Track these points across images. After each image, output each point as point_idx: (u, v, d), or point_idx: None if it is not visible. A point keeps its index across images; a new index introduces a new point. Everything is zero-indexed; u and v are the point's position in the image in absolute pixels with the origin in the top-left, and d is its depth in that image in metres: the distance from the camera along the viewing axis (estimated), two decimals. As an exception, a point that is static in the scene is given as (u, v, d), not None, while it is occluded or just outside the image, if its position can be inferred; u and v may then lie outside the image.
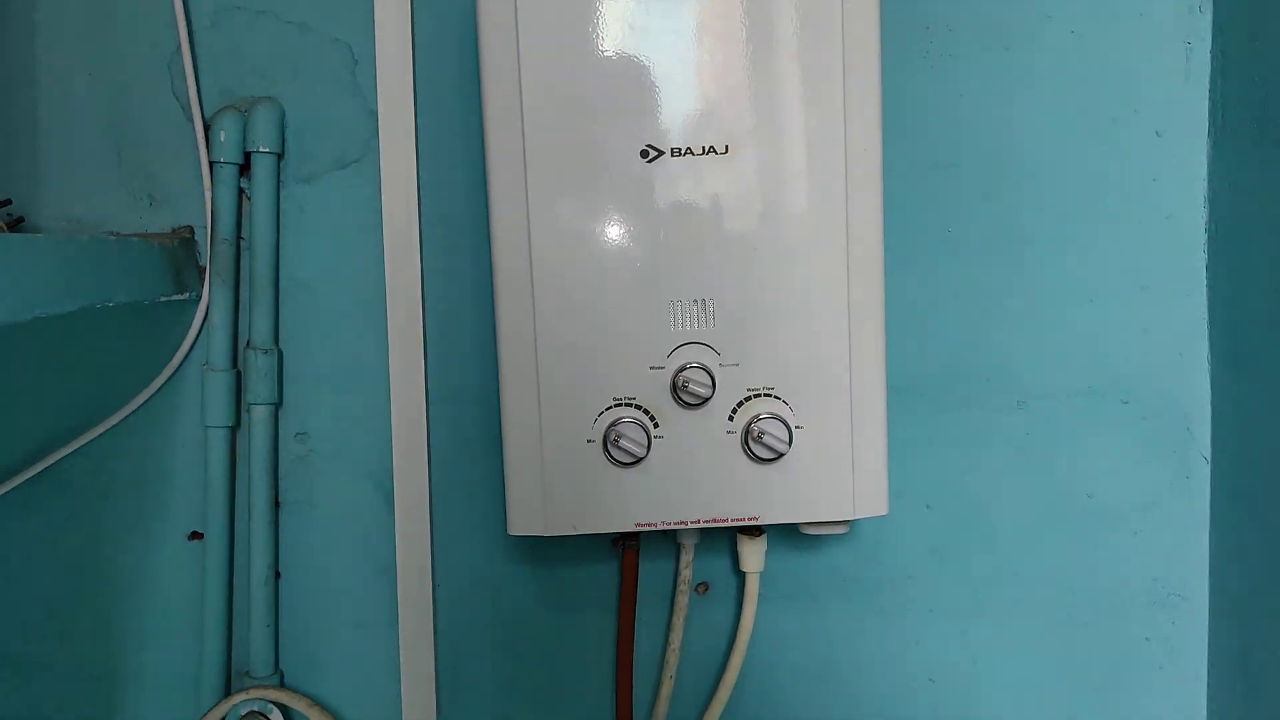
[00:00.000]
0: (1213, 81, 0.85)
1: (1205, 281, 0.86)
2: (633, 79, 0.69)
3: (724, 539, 0.86)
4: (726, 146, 0.70)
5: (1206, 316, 0.86)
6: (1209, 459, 0.87)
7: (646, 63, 0.69)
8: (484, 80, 0.69)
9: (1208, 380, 0.86)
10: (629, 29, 0.69)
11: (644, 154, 0.70)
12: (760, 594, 0.86)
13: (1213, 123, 0.85)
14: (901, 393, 0.85)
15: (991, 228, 0.85)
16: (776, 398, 0.72)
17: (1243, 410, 0.83)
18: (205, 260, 0.83)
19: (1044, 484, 0.87)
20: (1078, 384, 0.86)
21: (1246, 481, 0.82)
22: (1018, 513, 0.87)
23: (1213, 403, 0.86)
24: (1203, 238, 0.86)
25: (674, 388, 0.71)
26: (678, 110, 0.70)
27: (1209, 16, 0.84)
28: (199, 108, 0.82)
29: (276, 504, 0.86)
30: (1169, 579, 0.87)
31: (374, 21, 0.82)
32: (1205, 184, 0.85)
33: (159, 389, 0.84)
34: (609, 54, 0.69)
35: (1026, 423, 0.86)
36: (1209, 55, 0.85)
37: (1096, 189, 0.85)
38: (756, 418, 0.71)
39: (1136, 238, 0.85)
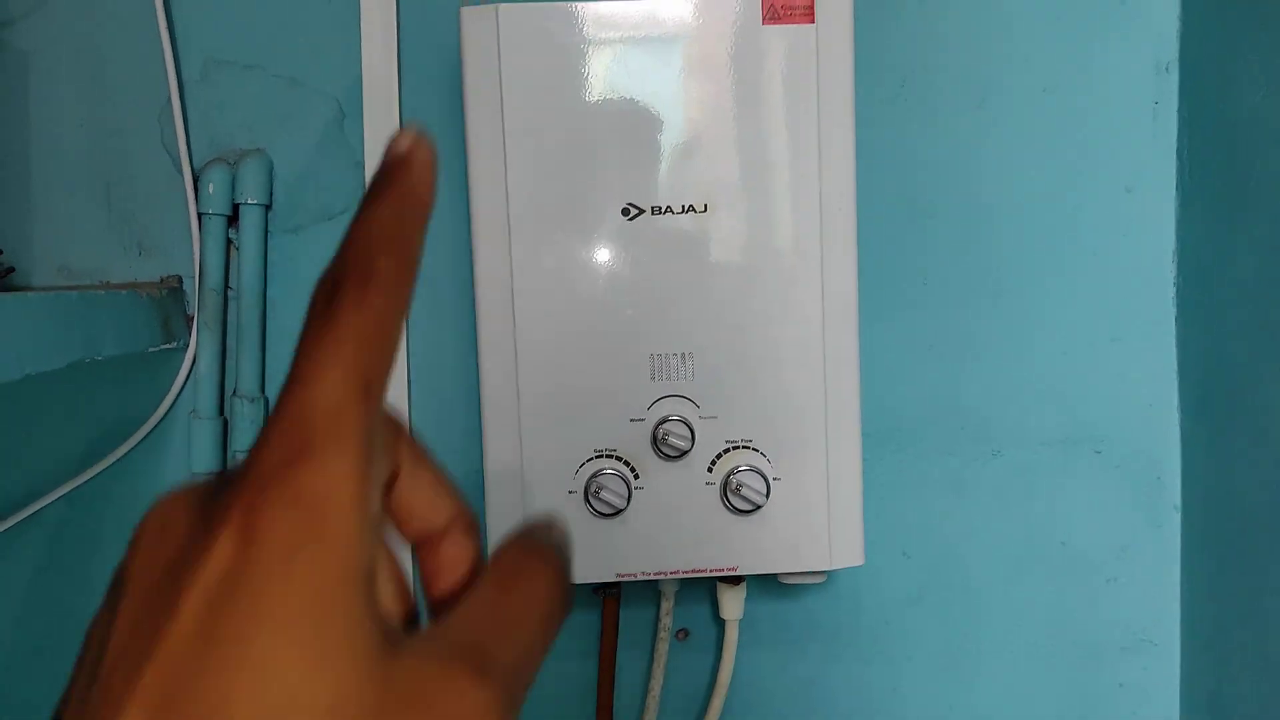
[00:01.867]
0: (1179, 140, 0.87)
1: (1175, 334, 0.88)
2: (615, 140, 0.71)
3: (705, 586, 0.87)
4: (705, 205, 0.72)
5: (1176, 368, 0.88)
6: (1179, 508, 0.88)
7: (628, 124, 0.71)
8: (468, 139, 0.71)
9: (1177, 431, 0.88)
10: (611, 91, 0.71)
11: (625, 212, 0.72)
12: (740, 641, 0.86)
13: (1180, 180, 0.87)
14: (879, 441, 0.87)
15: (967, 278, 0.87)
16: (755, 450, 0.73)
17: (1211, 461, 0.84)
18: (193, 309, 0.84)
19: (1019, 531, 0.88)
20: (1052, 433, 0.88)
21: (1215, 530, 0.84)
22: (993, 560, 0.88)
23: (1182, 453, 0.88)
24: (1172, 291, 0.88)
25: (654, 440, 0.73)
26: (658, 170, 0.71)
27: (1175, 77, 0.87)
28: (188, 159, 0.84)
29: (260, 550, 0.86)
30: (1141, 625, 0.89)
31: (362, 76, 0.84)
32: (1174, 239, 0.87)
33: (146, 435, 0.85)
34: (592, 115, 0.71)
35: (1002, 471, 0.88)
36: (1176, 115, 0.87)
37: (1069, 242, 0.87)
38: (735, 470, 0.73)
39: (1108, 291, 0.87)
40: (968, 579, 0.88)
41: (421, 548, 0.30)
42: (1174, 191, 0.87)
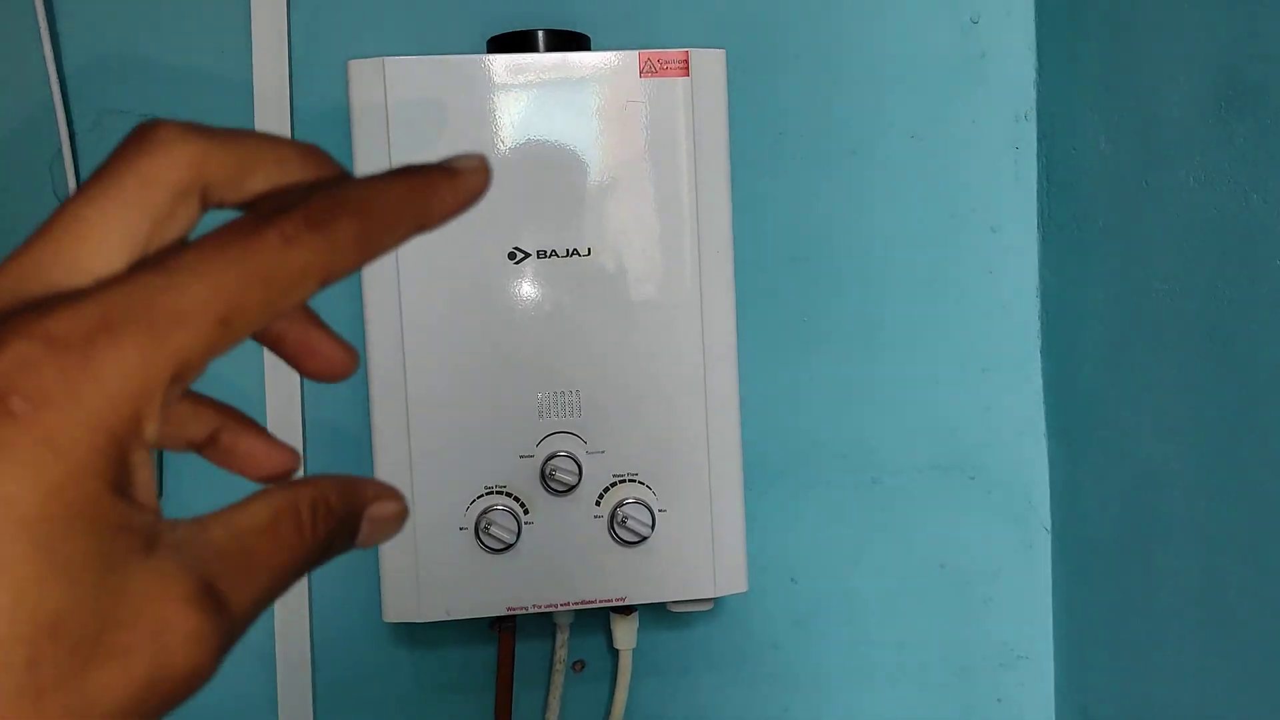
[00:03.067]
0: (1039, 182, 0.93)
1: (1040, 364, 0.93)
2: (500, 186, 0.73)
3: (599, 618, 0.89)
4: (589, 249, 0.75)
5: (1042, 397, 0.93)
6: (1049, 529, 0.93)
7: (513, 171, 0.74)
8: (358, 186, 0.73)
9: (1045, 456, 0.93)
10: (496, 140, 0.74)
11: (511, 256, 0.74)
12: (635, 669, 0.89)
13: (1041, 219, 0.93)
14: (764, 471, 0.90)
15: (845, 316, 0.91)
16: (640, 483, 0.76)
17: (1075, 483, 0.90)
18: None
19: (900, 555, 0.92)
20: (928, 460, 0.92)
21: (1081, 549, 0.89)
22: (876, 583, 0.92)
23: (1050, 476, 0.93)
24: (1036, 324, 0.93)
25: (543, 475, 0.75)
26: (543, 216, 0.74)
27: (1034, 125, 0.93)
28: (80, 207, 0.84)
29: (155, 595, 0.86)
30: (1016, 642, 0.93)
31: (254, 125, 0.85)
32: (1037, 275, 0.93)
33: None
34: (476, 163, 0.73)
35: (882, 498, 0.92)
36: (1035, 159, 0.93)
37: (938, 280, 0.92)
38: (621, 503, 0.75)
39: (976, 325, 0.92)
40: (852, 602, 0.92)
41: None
42: (1035, 230, 0.93)
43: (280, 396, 0.86)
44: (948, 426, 0.92)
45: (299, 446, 0.86)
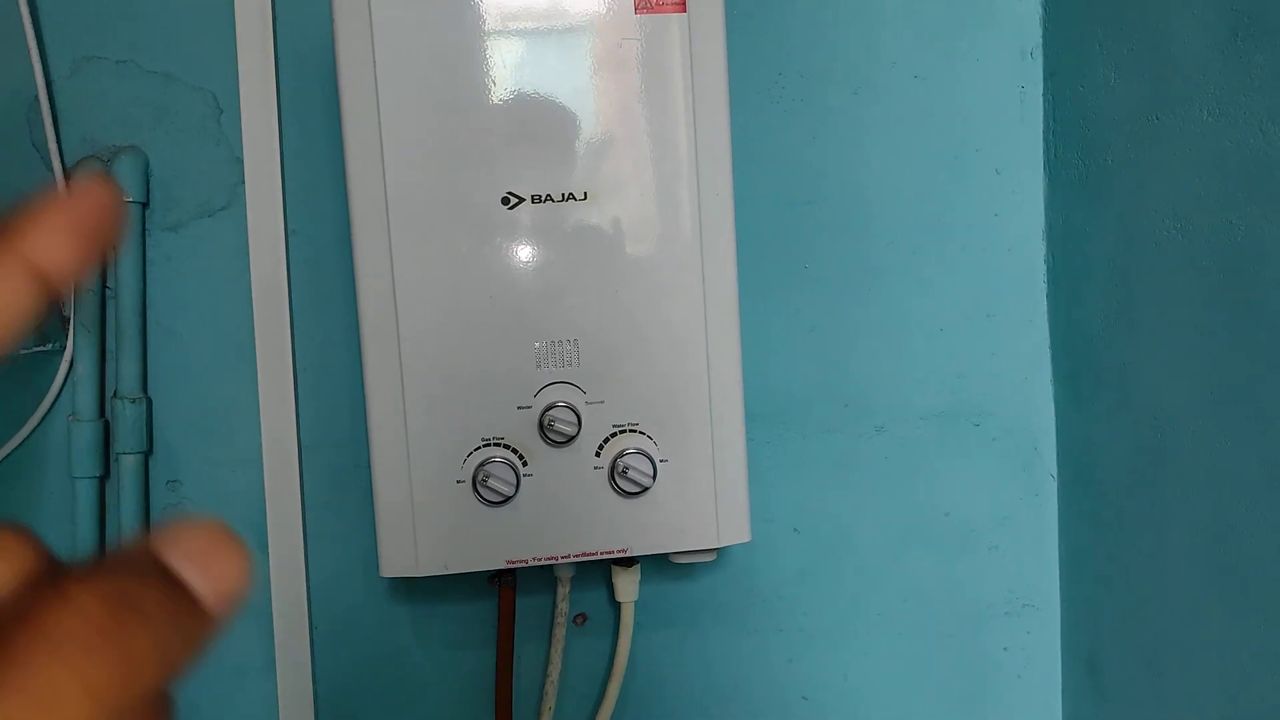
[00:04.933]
0: (1045, 122, 0.90)
1: (1046, 309, 0.91)
2: (493, 129, 0.72)
3: (601, 570, 0.88)
4: (585, 193, 0.73)
5: (1048, 342, 0.91)
6: (1055, 476, 0.92)
7: (506, 112, 0.71)
8: (344, 130, 0.71)
9: (1051, 402, 0.92)
10: (488, 80, 0.71)
11: (505, 201, 0.72)
12: (637, 622, 0.88)
13: (1047, 161, 0.91)
14: (766, 421, 0.89)
15: (846, 261, 0.89)
16: (641, 433, 0.75)
17: (1082, 430, 0.88)
18: (69, 311, 0.82)
19: (904, 504, 0.91)
20: (932, 408, 0.90)
21: (1089, 496, 0.88)
22: (880, 532, 0.91)
23: (1056, 423, 0.92)
24: (1042, 268, 0.91)
25: (541, 426, 0.73)
26: (537, 159, 0.72)
27: (1040, 63, 0.90)
28: (59, 157, 0.82)
29: (148, 553, 0.85)
30: (1023, 591, 0.92)
31: (237, 69, 0.83)
32: (1043, 218, 0.91)
33: (24, 440, 0.83)
34: (469, 104, 0.71)
35: (885, 446, 0.90)
36: (1041, 99, 0.90)
37: (942, 224, 0.90)
38: (622, 453, 0.74)
39: (981, 269, 0.90)
40: (856, 552, 0.91)
41: None
42: (1042, 172, 0.91)
43: (270, 359, 0.84)
44: (953, 373, 0.90)
45: (292, 406, 0.84)
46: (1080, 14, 0.85)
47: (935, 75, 0.89)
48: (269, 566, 0.85)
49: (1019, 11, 0.90)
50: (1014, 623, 0.92)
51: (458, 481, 0.73)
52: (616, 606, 0.87)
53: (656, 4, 0.73)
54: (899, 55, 0.89)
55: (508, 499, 0.73)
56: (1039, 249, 0.91)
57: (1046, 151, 0.91)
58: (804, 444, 0.90)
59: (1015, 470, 0.91)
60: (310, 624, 0.86)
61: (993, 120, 0.90)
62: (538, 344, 0.73)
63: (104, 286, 0.83)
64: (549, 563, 0.75)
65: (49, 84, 0.82)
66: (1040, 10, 0.90)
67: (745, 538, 0.77)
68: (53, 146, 0.81)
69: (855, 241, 0.89)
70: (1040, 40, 0.90)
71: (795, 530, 0.90)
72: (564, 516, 0.75)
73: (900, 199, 0.89)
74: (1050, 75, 0.90)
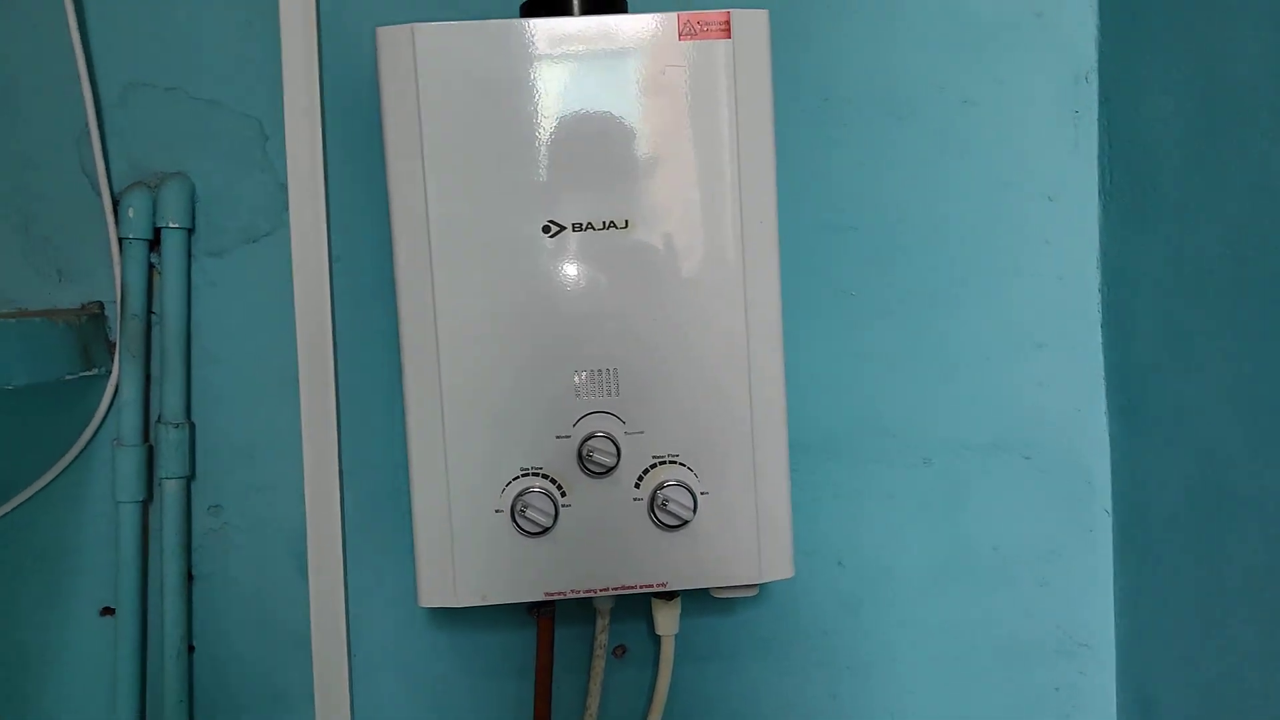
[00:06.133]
0: (1100, 147, 0.88)
1: (1100, 339, 0.89)
2: (534, 157, 0.71)
3: (642, 602, 0.87)
4: (626, 221, 0.72)
5: (1103, 373, 0.89)
6: (1110, 511, 0.89)
7: (547, 141, 0.71)
8: (387, 158, 0.71)
9: (1106, 435, 0.89)
10: (530, 109, 0.71)
11: (546, 229, 0.72)
12: (678, 655, 0.86)
13: (1102, 186, 0.88)
14: (809, 451, 0.87)
15: (892, 289, 0.87)
16: (681, 464, 0.73)
17: (1139, 464, 0.86)
18: (115, 336, 0.83)
19: (950, 537, 0.89)
20: (980, 440, 0.88)
21: (1144, 532, 0.85)
22: (926, 566, 0.89)
23: (1111, 457, 0.89)
24: (1096, 297, 0.89)
25: (580, 457, 0.72)
26: (579, 187, 0.71)
27: (1095, 87, 0.88)
28: (108, 184, 0.83)
29: (190, 577, 0.85)
30: (1075, 629, 0.90)
31: (283, 96, 0.83)
32: (1097, 246, 0.88)
33: (70, 464, 0.84)
34: (510, 133, 0.71)
35: (932, 478, 0.88)
36: (1096, 123, 0.88)
37: (991, 251, 0.88)
38: (661, 485, 0.73)
39: (1031, 298, 0.88)
40: (901, 586, 0.89)
41: None
42: (1096, 198, 0.89)
43: (312, 385, 0.84)
44: (1001, 405, 0.88)
45: (334, 433, 0.84)
46: (1136, 37, 0.83)
47: (985, 99, 0.87)
48: (309, 593, 0.85)
49: (1074, 35, 0.88)
50: (1066, 662, 0.90)
51: (496, 511, 0.73)
52: (657, 639, 0.86)
53: (701, 30, 0.72)
54: (947, 80, 0.87)
55: (546, 529, 0.72)
56: (1093, 277, 0.89)
57: (1101, 178, 0.88)
58: (848, 475, 0.88)
59: (1066, 504, 0.89)
60: (349, 651, 0.86)
61: (1045, 145, 0.88)
62: (577, 373, 0.72)
63: (149, 312, 0.84)
64: (588, 595, 0.74)
65: (99, 111, 0.83)
66: (1096, 33, 0.88)
67: (788, 573, 0.75)
68: (101, 173, 0.82)
69: (901, 268, 0.87)
70: (1095, 63, 0.88)
71: (839, 563, 0.88)
72: (603, 548, 0.74)
73: (948, 225, 0.87)
74: (1105, 99, 0.88)
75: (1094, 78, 0.88)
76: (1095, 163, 0.88)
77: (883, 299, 0.87)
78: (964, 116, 0.87)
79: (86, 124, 0.82)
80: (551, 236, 0.72)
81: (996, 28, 0.87)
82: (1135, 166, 0.84)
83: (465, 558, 0.73)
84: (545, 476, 0.73)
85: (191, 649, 0.86)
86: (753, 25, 0.72)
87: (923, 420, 0.88)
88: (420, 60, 0.70)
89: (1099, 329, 0.89)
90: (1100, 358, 0.89)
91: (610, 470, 0.72)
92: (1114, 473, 0.89)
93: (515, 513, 0.72)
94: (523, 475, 0.73)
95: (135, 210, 0.82)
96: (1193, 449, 0.78)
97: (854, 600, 0.89)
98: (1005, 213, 0.88)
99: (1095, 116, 0.88)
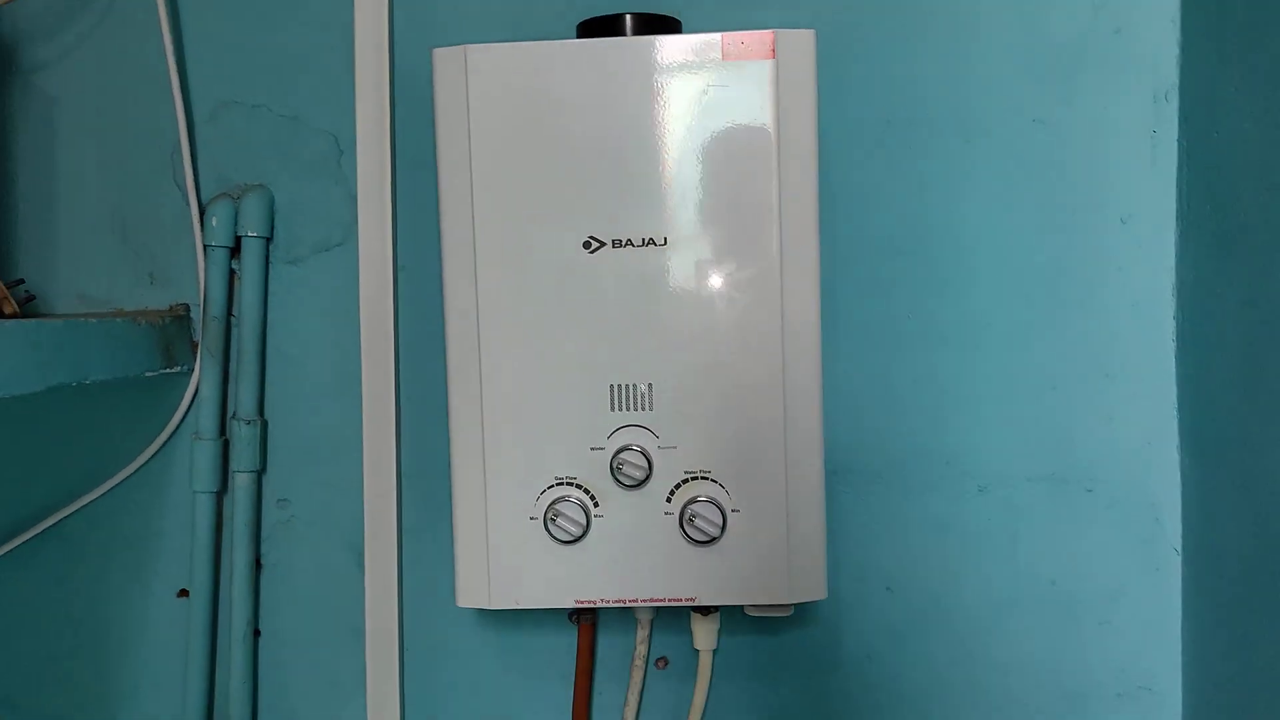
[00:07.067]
0: (1179, 170, 0.84)
1: (1174, 370, 0.85)
2: (577, 174, 0.73)
3: (685, 614, 0.87)
4: (665, 239, 0.73)
5: (1175, 406, 0.85)
6: (1179, 550, 0.85)
7: (589, 158, 0.73)
8: (439, 174, 0.74)
9: (1177, 471, 0.85)
10: (574, 126, 0.73)
11: (586, 245, 0.73)
12: (719, 672, 0.87)
13: (1180, 210, 0.84)
14: (863, 476, 0.86)
15: (953, 314, 0.86)
16: (713, 481, 0.74)
17: (1212, 503, 0.81)
18: (198, 336, 0.89)
19: (1006, 570, 0.86)
20: (1040, 470, 0.85)
21: (1219, 574, 0.81)
22: (979, 598, 0.86)
23: (1182, 494, 0.85)
24: (1171, 326, 0.85)
25: (613, 469, 0.74)
26: (618, 205, 0.73)
27: (1175, 105, 0.84)
28: (196, 195, 0.89)
29: (258, 565, 0.90)
30: (1138, 671, 0.86)
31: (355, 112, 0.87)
32: (1173, 273, 0.85)
33: (153, 455, 0.90)
34: (554, 150, 0.73)
35: (988, 508, 0.86)
36: (1175, 144, 0.84)
37: (1059, 276, 0.85)
38: (692, 500, 0.73)
39: (1100, 326, 0.85)
40: (952, 617, 0.86)
41: None
42: (1174, 222, 0.85)
43: (375, 388, 0.88)
44: (1064, 435, 0.85)
45: (393, 434, 0.88)
46: (1219, 53, 0.79)
47: (1055, 119, 0.85)
48: (365, 587, 0.89)
49: (1155, 52, 0.84)
50: (1128, 705, 0.86)
51: (530, 518, 0.75)
52: (696, 653, 0.86)
53: (745, 51, 0.73)
54: (1017, 98, 0.85)
55: (578, 538, 0.74)
56: (1168, 306, 0.85)
57: (1180, 201, 0.84)
58: (901, 501, 0.87)
59: (1132, 542, 0.85)
60: (401, 645, 0.90)
61: (1120, 167, 0.85)
62: (613, 386, 0.74)
63: (229, 315, 0.89)
64: (617, 605, 0.75)
65: (190, 127, 0.89)
66: (1177, 49, 0.84)
67: (820, 595, 0.75)
68: (190, 185, 0.88)
69: (964, 293, 0.85)
70: (1176, 82, 0.84)
71: (888, 589, 0.87)
72: (633, 560, 0.75)
73: (1012, 249, 0.85)
74: (1185, 119, 0.84)
75: (1174, 96, 0.84)
76: (1173, 185, 0.85)
77: (943, 323, 0.85)
78: (1033, 136, 0.85)
79: (179, 139, 0.88)
80: (591, 252, 0.73)
81: (1072, 45, 0.85)
82: (1215, 190, 0.80)
83: (500, 562, 0.75)
84: (579, 486, 0.74)
85: (257, 633, 0.91)
86: (799, 45, 0.73)
87: (980, 448, 0.86)
88: (471, 80, 0.73)
89: (1173, 359, 0.85)
90: (1174, 390, 0.85)
91: (642, 483, 0.74)
92: (1184, 511, 0.85)
93: (548, 520, 0.74)
94: (557, 484, 0.74)
95: (219, 219, 0.87)
96: (1269, 489, 0.74)
97: (902, 628, 0.87)
98: (1076, 237, 0.85)
99: (1175, 137, 0.84)
